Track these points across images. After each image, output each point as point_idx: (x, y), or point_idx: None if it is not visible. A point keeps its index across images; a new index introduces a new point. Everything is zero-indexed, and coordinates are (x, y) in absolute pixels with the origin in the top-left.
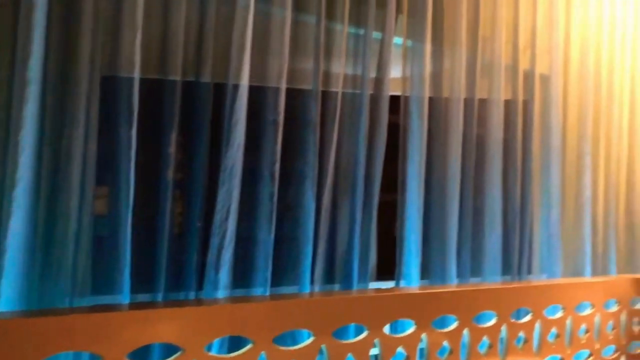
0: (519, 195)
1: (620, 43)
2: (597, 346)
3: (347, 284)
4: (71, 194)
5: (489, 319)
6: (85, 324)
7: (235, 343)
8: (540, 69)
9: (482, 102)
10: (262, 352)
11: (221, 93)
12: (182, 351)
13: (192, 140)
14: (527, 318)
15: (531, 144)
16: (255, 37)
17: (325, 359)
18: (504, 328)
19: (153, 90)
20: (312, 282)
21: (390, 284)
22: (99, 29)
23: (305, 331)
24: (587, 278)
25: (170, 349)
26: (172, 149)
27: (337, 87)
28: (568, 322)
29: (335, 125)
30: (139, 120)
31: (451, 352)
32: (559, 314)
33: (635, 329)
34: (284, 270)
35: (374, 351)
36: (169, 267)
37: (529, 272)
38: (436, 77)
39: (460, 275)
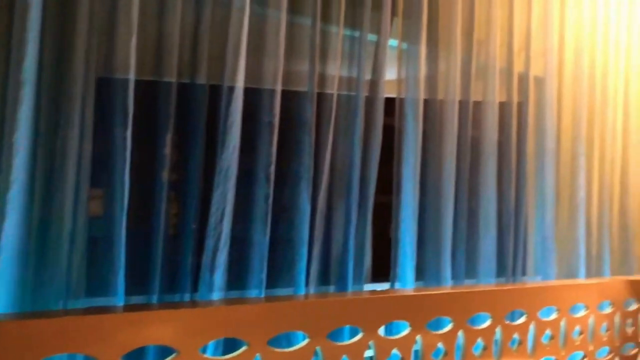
0: (513, 197)
1: (614, 45)
2: (591, 348)
3: (342, 286)
4: (66, 196)
5: (484, 321)
6: (79, 326)
7: (230, 345)
8: (534, 71)
9: (477, 104)
10: (257, 354)
11: (216, 95)
12: (177, 353)
13: (188, 142)
14: (522, 320)
15: (526, 146)
16: (251, 39)
17: None
18: (498, 330)
19: (148, 91)
20: (307, 283)
21: (385, 286)
22: (94, 30)
23: (300, 333)
24: (581, 280)
25: (165, 351)
26: (167, 150)
27: (333, 89)
28: (562, 323)
29: (331, 127)
30: (134, 121)
31: (446, 353)
32: (553, 316)
33: (629, 330)
34: (279, 272)
35: (368, 353)
36: (164, 268)
37: (524, 273)
38: (431, 79)
39: (455, 277)
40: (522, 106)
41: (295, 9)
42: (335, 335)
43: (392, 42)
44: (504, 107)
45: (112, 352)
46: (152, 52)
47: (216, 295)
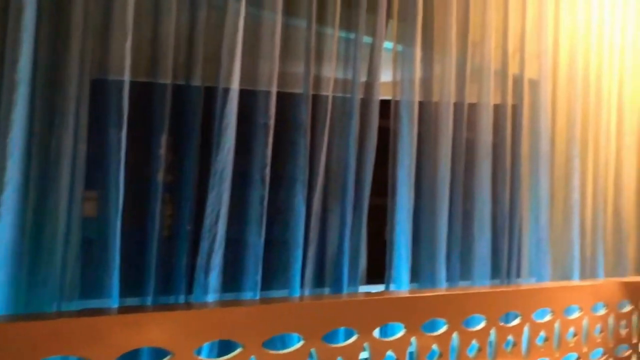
0: (508, 199)
1: (608, 48)
2: (585, 349)
3: (337, 288)
4: (60, 197)
5: (478, 323)
6: (73, 328)
7: (224, 347)
8: (529, 73)
9: (472, 106)
10: (252, 356)
11: (212, 96)
12: (172, 355)
13: (183, 144)
14: (516, 321)
15: (520, 148)
16: (246, 40)
17: None
18: (493, 331)
19: (143, 93)
20: (302, 285)
21: (380, 288)
22: (89, 31)
23: (295, 335)
24: (576, 282)
25: (160, 353)
26: (162, 152)
27: (328, 91)
28: (556, 325)
29: (326, 129)
30: (129, 123)
31: (440, 355)
32: (547, 318)
33: (623, 332)
34: (274, 273)
35: (363, 355)
36: (159, 270)
37: (518, 275)
38: (426, 81)
39: (449, 278)
40: (516, 108)
41: (290, 10)
42: (330, 337)
43: (388, 44)
44: (498, 109)
45: (107, 354)
46: (147, 53)
47: (211, 297)
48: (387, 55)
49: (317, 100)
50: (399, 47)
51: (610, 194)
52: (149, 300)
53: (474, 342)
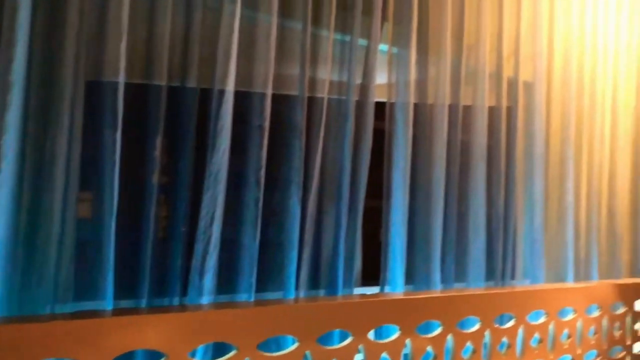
0: (502, 201)
1: (602, 50)
2: (579, 351)
3: (332, 290)
4: (54, 198)
5: (473, 325)
6: (67, 331)
7: (219, 349)
8: (523, 76)
9: (467, 108)
10: (247, 358)
11: (207, 98)
12: (166, 357)
13: (178, 145)
14: (511, 323)
15: (515, 150)
16: (242, 42)
17: None
18: (487, 333)
19: (138, 94)
20: (297, 287)
21: (375, 290)
22: (83, 32)
23: (289, 337)
24: (570, 283)
25: (154, 355)
26: (157, 153)
27: (323, 93)
28: (551, 327)
29: (321, 131)
30: (124, 124)
31: (435, 357)
32: (541, 319)
33: (617, 333)
34: (268, 275)
35: (358, 357)
36: (153, 272)
37: (512, 277)
38: (421, 83)
39: (444, 280)
40: (511, 110)
41: (286, 12)
42: (325, 339)
43: (383, 46)
44: (493, 111)
45: (101, 357)
46: (142, 55)
47: (206, 299)
48: (382, 57)
49: (312, 102)
50: (394, 50)
51: (604, 196)
52: (143, 303)
53: (469, 343)
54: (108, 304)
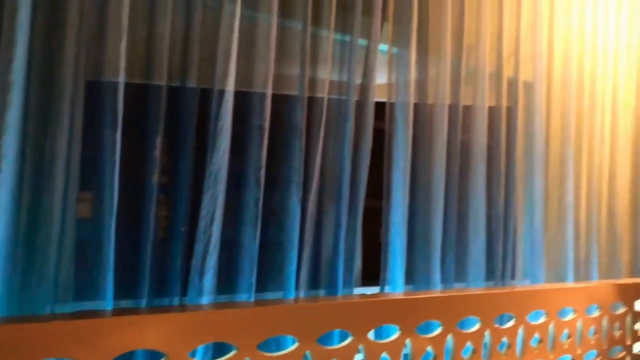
0: (502, 201)
1: (602, 50)
2: (579, 351)
3: (332, 290)
4: (54, 198)
5: (473, 325)
6: (67, 331)
7: (219, 349)
8: (523, 76)
9: (467, 108)
10: (247, 358)
11: (207, 98)
12: (166, 357)
13: (178, 145)
14: (511, 323)
15: (515, 150)
16: (242, 42)
17: None
18: (487, 333)
19: (138, 94)
20: (297, 287)
21: (375, 290)
22: (83, 32)
23: (289, 337)
24: (570, 283)
25: (154, 355)
26: (157, 153)
27: (323, 93)
28: (551, 327)
29: (321, 131)
30: (124, 124)
31: (435, 357)
32: (541, 320)
33: (617, 333)
34: (268, 275)
35: (358, 357)
36: (153, 272)
37: (512, 277)
38: (421, 83)
39: (444, 280)
40: (511, 110)
41: (286, 12)
42: (325, 339)
43: (383, 46)
44: (493, 111)
45: (101, 357)
46: (142, 55)
47: (206, 299)
48: (382, 57)
49: (312, 102)
50: (394, 50)
51: (604, 196)
52: (143, 303)
53: (469, 343)
54: (108, 304)
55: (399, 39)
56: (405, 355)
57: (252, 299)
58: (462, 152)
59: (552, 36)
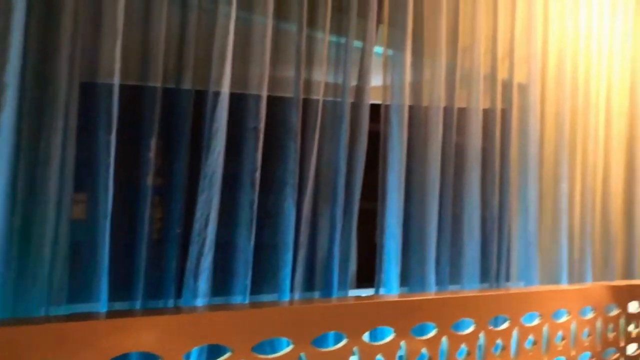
0: (497, 203)
1: (596, 52)
2: (573, 353)
3: (327, 292)
4: (48, 200)
5: (468, 326)
6: (61, 333)
7: (214, 351)
8: (518, 78)
9: (461, 110)
10: None
11: (202, 100)
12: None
13: (172, 147)
14: (505, 325)
15: (509, 152)
16: (237, 44)
17: None
18: (482, 335)
19: (133, 96)
20: (291, 289)
21: (369, 292)
22: (78, 33)
23: (284, 339)
24: (564, 285)
25: (149, 358)
26: (152, 155)
27: (318, 95)
28: (545, 329)
29: (316, 133)
30: (118, 126)
31: (430, 359)
32: (536, 321)
33: (610, 335)
34: (263, 277)
35: (353, 359)
36: (148, 274)
37: (507, 279)
38: (416, 86)
39: (439, 282)
40: (505, 112)
41: (281, 15)
42: (319, 341)
43: (378, 48)
44: (488, 113)
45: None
46: (137, 56)
47: (200, 301)
48: (378, 59)
49: (307, 104)
50: (390, 52)
51: (598, 198)
52: (138, 305)
53: (463, 346)
54: (102, 306)
55: (394, 41)
56: (400, 357)
57: (247, 301)
58: (457, 154)
59: (547, 38)
